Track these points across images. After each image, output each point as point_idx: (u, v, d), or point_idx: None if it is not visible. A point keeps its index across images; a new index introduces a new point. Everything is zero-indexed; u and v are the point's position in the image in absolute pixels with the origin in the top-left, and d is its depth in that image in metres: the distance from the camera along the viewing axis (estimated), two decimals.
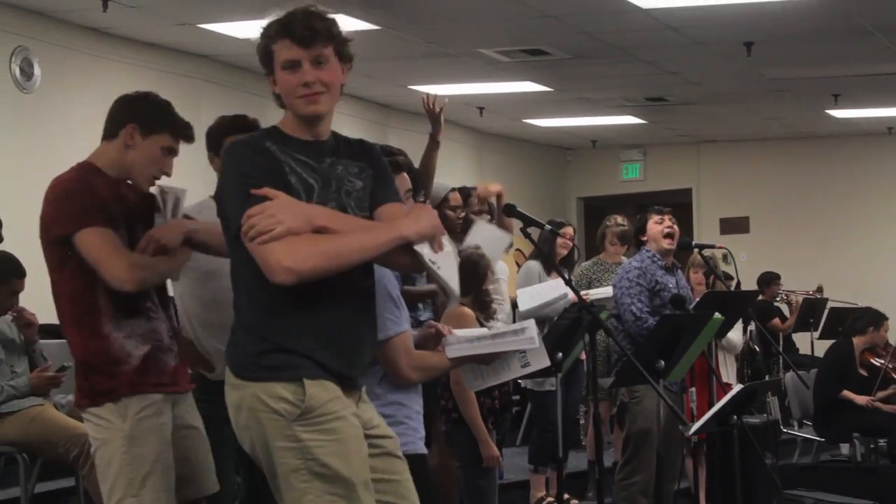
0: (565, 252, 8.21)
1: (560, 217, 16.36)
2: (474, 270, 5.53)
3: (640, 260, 6.90)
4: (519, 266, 8.97)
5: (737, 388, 5.88)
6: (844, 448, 10.45)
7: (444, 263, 3.35)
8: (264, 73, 3.39)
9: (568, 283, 4.75)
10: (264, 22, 3.37)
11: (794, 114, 14.21)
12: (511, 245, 7.54)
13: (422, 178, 5.95)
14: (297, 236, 3.14)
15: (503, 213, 4.94)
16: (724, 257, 8.52)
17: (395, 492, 3.40)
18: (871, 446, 9.86)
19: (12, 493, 6.53)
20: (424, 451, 4.07)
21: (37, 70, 9.29)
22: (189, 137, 4.16)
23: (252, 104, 11.85)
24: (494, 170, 15.51)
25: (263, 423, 3.19)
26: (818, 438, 9.78)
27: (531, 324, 3.70)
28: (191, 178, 4.71)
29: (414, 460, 3.96)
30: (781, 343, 12.33)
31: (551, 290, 7.59)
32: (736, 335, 7.79)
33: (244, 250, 3.19)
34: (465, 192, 7.32)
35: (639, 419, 6.62)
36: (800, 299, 12.38)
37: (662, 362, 5.16)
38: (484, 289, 5.58)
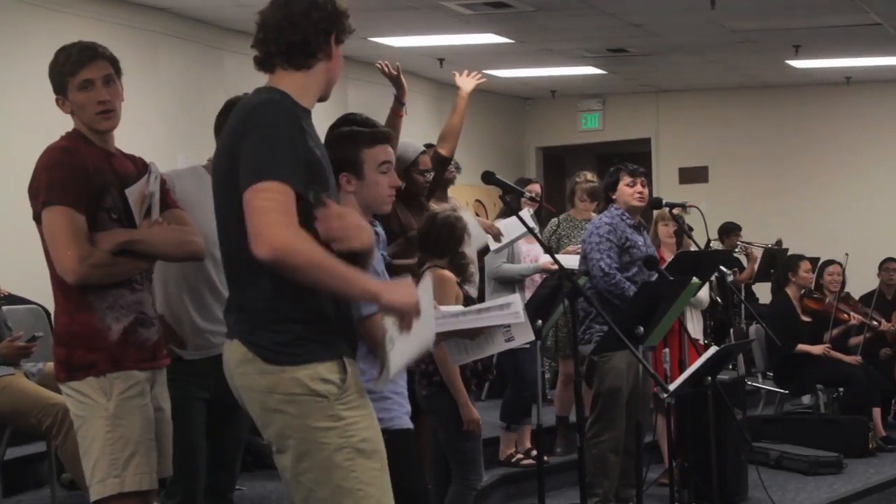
0: (535, 208, 8.21)
1: (520, 169, 16.52)
2: (451, 233, 5.48)
3: (610, 216, 6.91)
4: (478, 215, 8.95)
5: (712, 350, 5.92)
6: (807, 398, 10.56)
7: (401, 344, 3.30)
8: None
9: (548, 250, 4.72)
10: None
11: (754, 64, 14.21)
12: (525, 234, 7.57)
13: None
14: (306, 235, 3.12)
15: (482, 180, 4.89)
16: (688, 210, 8.52)
17: None
18: (833, 396, 9.97)
19: None
20: (410, 425, 4.06)
21: None
22: (89, 58, 4.02)
23: (209, 57, 11.74)
24: None
25: (303, 405, 3.19)
26: (782, 391, 9.87)
27: (516, 298, 3.69)
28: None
29: (399, 435, 3.96)
30: (743, 293, 12.40)
31: (513, 229, 7.49)
32: (703, 292, 7.82)
33: None
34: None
35: (608, 378, 6.66)
36: (758, 251, 12.44)
37: (642, 329, 5.17)
38: (461, 251, 5.53)
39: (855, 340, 10.18)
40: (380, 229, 5.52)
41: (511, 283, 7.85)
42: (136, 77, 11.27)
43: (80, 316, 3.91)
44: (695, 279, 5.59)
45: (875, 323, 10.33)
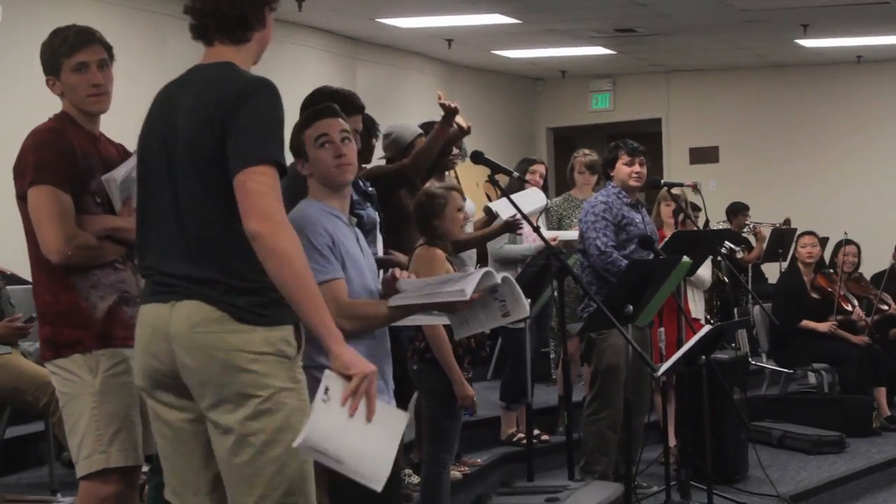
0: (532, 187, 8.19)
1: (530, 150, 16.50)
2: (425, 207, 5.50)
3: (605, 195, 6.89)
4: (489, 199, 8.92)
5: (704, 329, 5.92)
6: (812, 377, 10.54)
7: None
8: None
9: (536, 229, 4.74)
10: None
11: (763, 44, 14.16)
12: (545, 207, 7.57)
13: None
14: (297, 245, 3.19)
15: (471, 160, 4.90)
16: (693, 188, 8.53)
17: None
18: (837, 376, 9.96)
19: None
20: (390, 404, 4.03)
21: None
22: (84, 40, 4.04)
23: None
24: (464, 102, 15.26)
25: (270, 364, 3.23)
26: (786, 370, 9.86)
27: (471, 277, 3.69)
28: None
29: None
30: (750, 273, 12.39)
31: (532, 200, 7.39)
32: (705, 271, 7.82)
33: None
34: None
35: (605, 355, 6.65)
36: (767, 231, 12.41)
37: (631, 307, 5.17)
38: (434, 224, 5.50)
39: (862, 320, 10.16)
40: (370, 212, 5.56)
41: (514, 263, 7.84)
42: (144, 59, 11.37)
43: (65, 295, 3.93)
44: (685, 258, 5.58)
45: (885, 307, 10.31)
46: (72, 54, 4.02)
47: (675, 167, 15.99)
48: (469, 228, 7.25)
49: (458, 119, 6.12)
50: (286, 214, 3.21)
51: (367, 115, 5.58)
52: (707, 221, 8.01)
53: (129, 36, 10.29)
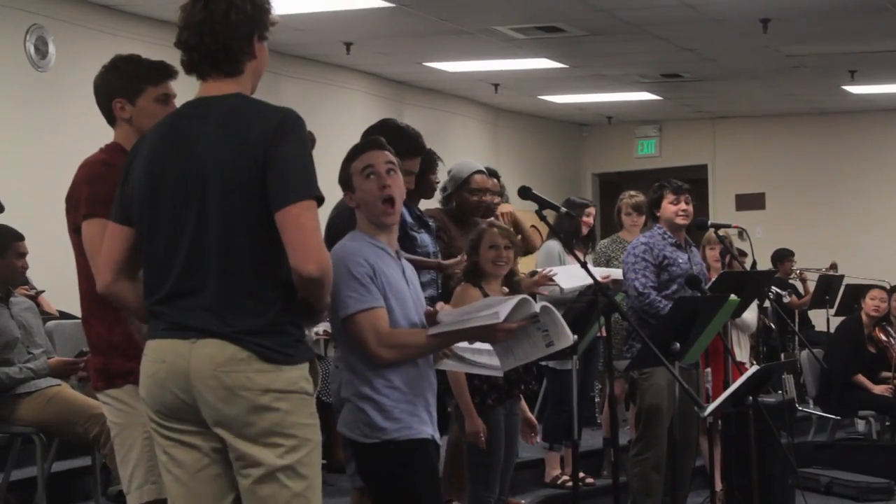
0: (586, 231, 8.20)
1: (578, 194, 16.47)
2: (469, 247, 5.52)
3: (649, 235, 6.88)
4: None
5: (753, 369, 5.87)
6: (860, 425, 10.43)
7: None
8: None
9: (583, 265, 4.73)
10: None
11: (810, 90, 14.14)
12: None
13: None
14: None
15: (518, 195, 4.92)
16: (740, 234, 8.52)
17: None
18: (887, 423, 9.86)
19: (29, 472, 6.56)
20: (425, 435, 3.98)
21: (52, 48, 9.31)
22: (170, 74, 4.07)
23: (265, 81, 11.86)
24: (510, 147, 15.49)
25: (294, 401, 3.26)
26: (834, 417, 9.76)
27: (508, 302, 3.68)
28: None
29: (408, 446, 3.92)
30: (797, 320, 12.30)
31: (575, 275, 7.42)
32: (751, 315, 7.76)
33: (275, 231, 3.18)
34: (492, 173, 7.24)
35: (648, 395, 6.61)
36: (813, 277, 12.33)
37: (678, 344, 5.14)
38: (475, 261, 5.50)
39: None
40: (424, 237, 5.57)
41: (564, 303, 7.83)
42: (188, 94, 11.42)
43: (119, 328, 3.96)
44: (733, 296, 5.55)
45: None
46: (159, 83, 4.05)
47: (721, 213, 15.94)
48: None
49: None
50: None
51: (429, 149, 5.63)
52: (754, 263, 7.97)
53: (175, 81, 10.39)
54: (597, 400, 10.02)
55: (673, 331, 5.24)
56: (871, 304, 9.90)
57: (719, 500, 7.02)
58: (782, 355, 10.44)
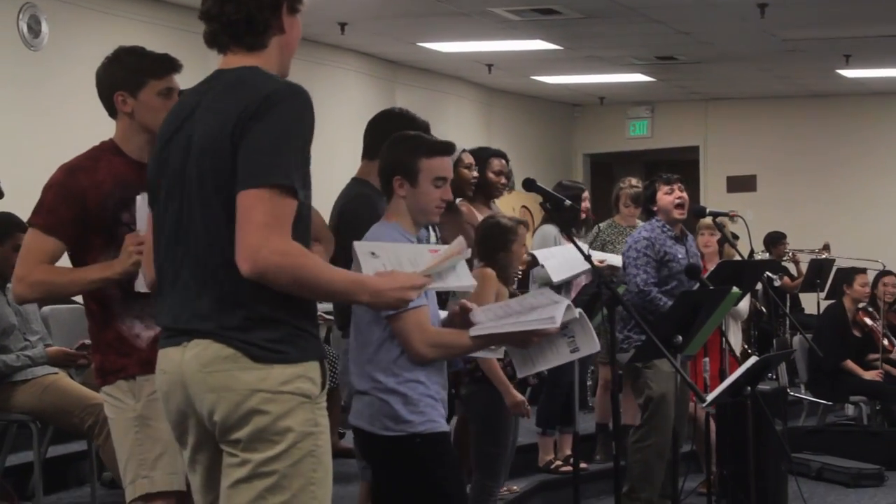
0: (583, 216, 8.20)
1: (567, 176, 16.48)
2: (496, 237, 5.52)
3: (649, 230, 6.88)
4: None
5: (751, 360, 5.89)
6: (850, 409, 10.47)
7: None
8: None
9: (587, 258, 4.71)
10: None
11: (804, 73, 14.13)
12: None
13: None
14: (302, 250, 2.96)
15: (523, 187, 4.90)
16: (731, 219, 8.53)
17: None
18: (877, 408, 9.89)
19: (25, 457, 6.55)
20: (445, 428, 4.02)
21: (44, 27, 9.24)
22: (174, 67, 4.02)
23: None
24: (502, 126, 15.46)
25: (286, 404, 2.97)
26: (825, 402, 9.79)
27: (560, 306, 3.63)
28: None
29: (435, 438, 3.94)
30: (788, 303, 12.33)
31: (580, 263, 7.45)
32: (743, 304, 7.78)
33: None
34: (482, 153, 7.23)
35: (654, 384, 6.65)
36: (806, 259, 12.36)
37: (680, 337, 5.15)
38: (504, 254, 5.53)
39: None
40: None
41: (558, 287, 7.84)
42: (188, 81, 11.36)
43: (110, 325, 3.96)
44: (735, 289, 5.56)
45: None
46: (163, 77, 3.98)
47: (713, 195, 15.93)
48: None
49: None
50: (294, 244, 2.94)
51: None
52: (752, 251, 7.98)
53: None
54: (589, 383, 10.04)
55: (676, 324, 5.24)
56: (861, 290, 9.92)
57: (712, 485, 7.05)
58: (774, 340, 10.47)
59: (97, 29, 9.64)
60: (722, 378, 6.74)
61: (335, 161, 9.55)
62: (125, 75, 3.98)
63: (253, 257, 2.87)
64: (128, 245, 3.80)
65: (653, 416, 6.68)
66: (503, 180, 7.16)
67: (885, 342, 9.89)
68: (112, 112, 4.05)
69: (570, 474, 8.01)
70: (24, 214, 6.37)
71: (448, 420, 5.54)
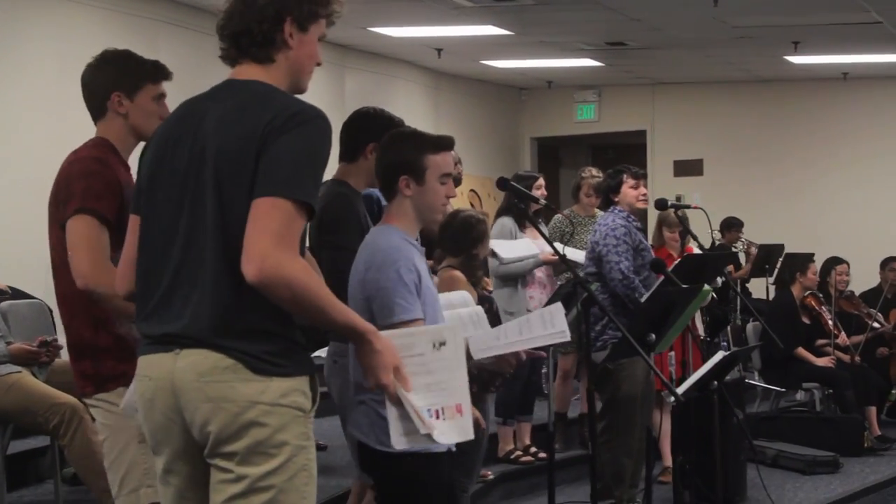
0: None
1: (515, 159, 16.51)
2: (468, 233, 5.49)
3: (623, 218, 6.89)
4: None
5: (719, 355, 5.92)
6: (800, 394, 10.58)
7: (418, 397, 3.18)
8: None
9: (563, 258, 4.71)
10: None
11: (752, 59, 14.20)
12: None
13: None
14: (309, 269, 2.94)
15: (497, 186, 4.88)
16: (695, 208, 8.58)
17: None
18: (828, 392, 10.00)
19: None
20: (438, 449, 3.90)
21: None
22: (166, 75, 4.07)
23: (211, 45, 11.67)
24: (450, 110, 15.42)
25: (284, 417, 2.99)
26: (779, 389, 9.89)
27: (558, 313, 3.63)
28: None
29: (424, 459, 3.83)
30: (738, 289, 12.40)
31: (527, 248, 7.64)
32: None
33: None
34: None
35: (624, 384, 6.68)
36: (754, 250, 12.46)
37: (653, 336, 5.17)
38: (474, 253, 5.53)
39: (856, 339, 10.21)
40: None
41: (514, 280, 7.88)
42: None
43: (105, 329, 3.89)
44: (706, 286, 5.59)
45: (877, 325, 10.36)
46: (158, 82, 4.03)
47: (660, 179, 16.01)
48: None
49: None
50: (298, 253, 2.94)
51: None
52: (713, 242, 8.03)
53: (120, 41, 10.11)
54: (544, 371, 10.07)
55: (650, 322, 5.26)
56: (815, 278, 10.02)
57: (669, 473, 7.11)
58: (729, 328, 10.55)
59: (42, 11, 9.42)
60: (684, 367, 6.80)
61: None
62: (122, 77, 3.99)
63: (260, 263, 2.86)
64: None
65: (622, 416, 6.72)
66: (459, 169, 7.19)
67: (834, 329, 10.00)
68: (99, 112, 4.03)
69: (531, 464, 8.09)
70: None
71: None
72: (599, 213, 8.41)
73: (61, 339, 6.00)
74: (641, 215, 7.60)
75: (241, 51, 3.15)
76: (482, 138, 15.71)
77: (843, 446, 9.15)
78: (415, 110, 14.30)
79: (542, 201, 4.88)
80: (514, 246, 7.68)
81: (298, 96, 3.16)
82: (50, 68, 9.29)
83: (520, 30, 12.15)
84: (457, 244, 5.52)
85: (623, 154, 17.05)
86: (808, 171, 15.76)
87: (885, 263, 11.35)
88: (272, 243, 2.86)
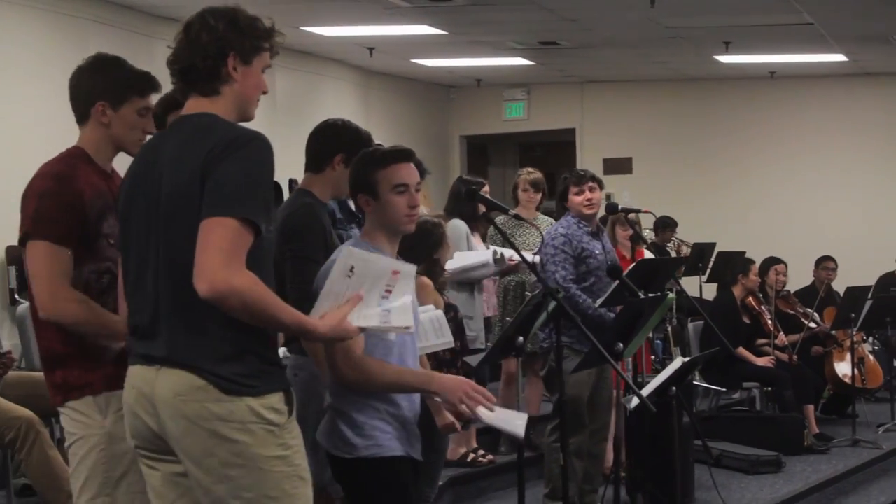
0: (484, 209, 8.18)
1: (445, 157, 16.50)
2: (426, 238, 5.46)
3: (566, 226, 6.88)
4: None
5: (677, 361, 5.96)
6: (737, 394, 10.67)
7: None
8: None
9: (533, 268, 4.69)
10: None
11: (683, 59, 14.30)
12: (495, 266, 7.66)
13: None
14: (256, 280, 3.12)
15: (466, 197, 4.84)
16: (646, 213, 8.64)
17: None
18: (767, 390, 10.09)
19: None
20: (398, 452, 3.94)
21: None
22: (155, 88, 4.06)
23: (140, 44, 11.51)
24: (380, 109, 15.37)
25: (256, 434, 3.20)
26: (720, 388, 9.96)
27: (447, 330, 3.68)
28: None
29: (377, 465, 3.85)
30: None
31: (476, 256, 7.63)
32: None
33: None
34: None
35: (569, 386, 6.68)
36: (686, 250, 12.56)
37: (621, 345, 5.18)
38: (435, 258, 5.50)
39: (792, 338, 10.31)
40: (354, 233, 5.48)
41: (469, 285, 7.88)
42: (66, 65, 11.06)
43: (71, 339, 3.87)
44: (671, 295, 5.62)
45: (814, 325, 10.48)
46: (145, 96, 4.00)
47: None
48: None
49: None
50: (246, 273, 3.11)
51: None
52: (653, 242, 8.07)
53: (50, 40, 10.04)
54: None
55: (619, 332, 5.28)
56: (756, 279, 10.09)
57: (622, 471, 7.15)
58: (669, 327, 10.62)
59: None
60: (634, 370, 6.86)
61: None
62: (109, 86, 3.95)
63: (210, 279, 3.06)
64: None
65: (569, 416, 6.72)
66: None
67: (773, 329, 10.09)
68: (82, 117, 4.00)
69: (480, 466, 8.07)
70: None
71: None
72: (539, 214, 8.44)
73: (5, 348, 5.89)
74: None
75: (188, 85, 3.33)
76: (412, 136, 15.66)
77: (783, 445, 9.23)
78: (345, 109, 14.20)
79: (512, 212, 4.87)
80: (462, 256, 7.64)
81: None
82: None
83: (454, 29, 12.13)
84: (414, 251, 5.46)
85: (552, 152, 17.13)
86: (736, 169, 15.93)
87: (819, 262, 11.49)
88: (219, 260, 3.06)
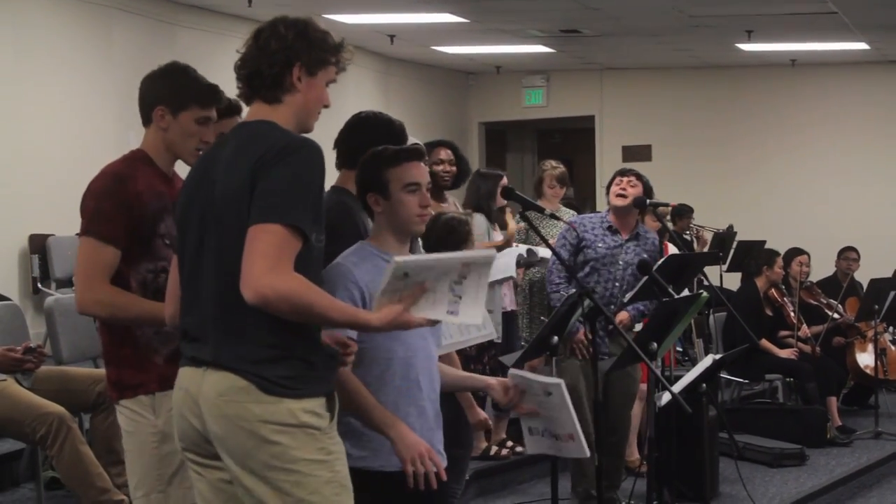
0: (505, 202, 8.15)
1: (463, 144, 16.41)
2: (450, 235, 5.43)
3: (583, 216, 6.95)
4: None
5: (708, 359, 5.94)
6: (760, 385, 10.64)
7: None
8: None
9: (571, 270, 4.69)
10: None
11: (704, 47, 14.26)
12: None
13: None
14: (303, 280, 3.13)
15: (502, 196, 4.83)
16: (673, 207, 8.61)
17: None
18: (788, 381, 10.06)
19: None
20: (387, 469, 3.77)
21: None
22: (218, 101, 4.09)
23: (162, 32, 11.52)
24: (399, 95, 15.36)
25: (297, 436, 3.21)
26: (743, 380, 9.94)
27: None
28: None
29: (367, 477, 3.73)
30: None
31: (498, 272, 7.39)
32: None
33: None
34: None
35: (565, 376, 6.67)
36: (709, 236, 12.52)
37: (655, 344, 5.18)
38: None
39: (815, 330, 10.29)
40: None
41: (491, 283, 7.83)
42: (90, 52, 11.13)
43: (127, 340, 3.98)
44: (704, 294, 5.59)
45: (838, 316, 10.45)
46: (206, 107, 4.03)
47: (608, 165, 16.01)
48: None
49: None
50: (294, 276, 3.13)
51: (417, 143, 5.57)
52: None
53: (75, 28, 10.06)
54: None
55: (654, 332, 5.28)
56: (781, 271, 10.06)
57: (638, 471, 7.14)
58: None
59: None
60: (661, 364, 6.86)
61: None
62: (171, 92, 4.01)
63: (255, 285, 3.08)
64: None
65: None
66: (447, 168, 7.13)
67: (796, 320, 10.07)
68: (145, 120, 4.07)
69: (508, 459, 8.06)
70: None
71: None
72: (562, 207, 8.42)
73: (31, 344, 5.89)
74: None
75: (252, 91, 3.37)
76: (431, 123, 15.66)
77: (806, 437, 9.20)
78: (366, 96, 14.21)
79: (548, 211, 4.84)
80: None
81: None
82: (4, 56, 9.13)
83: (477, 17, 12.10)
84: (442, 248, 5.45)
85: (570, 139, 17.10)
86: (755, 157, 15.89)
87: (841, 253, 11.45)
88: (264, 266, 3.08)
